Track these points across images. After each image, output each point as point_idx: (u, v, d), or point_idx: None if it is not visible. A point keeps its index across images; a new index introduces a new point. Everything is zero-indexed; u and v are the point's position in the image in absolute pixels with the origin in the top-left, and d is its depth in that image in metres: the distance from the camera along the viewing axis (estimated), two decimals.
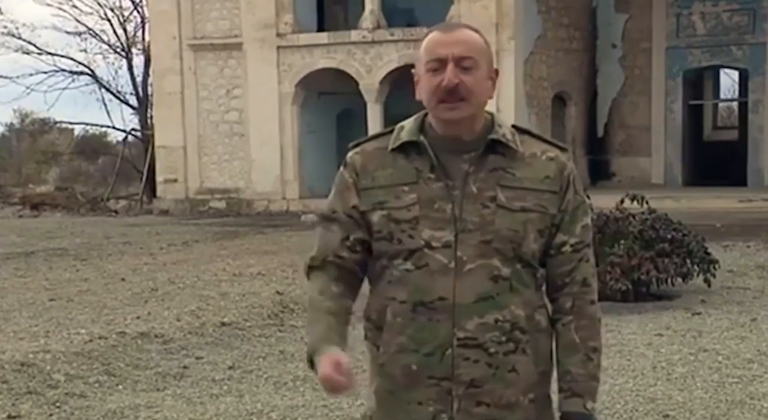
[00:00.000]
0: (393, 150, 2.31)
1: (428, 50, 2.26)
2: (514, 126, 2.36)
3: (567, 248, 2.31)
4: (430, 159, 2.26)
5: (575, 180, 2.33)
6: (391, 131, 2.35)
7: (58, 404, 5.76)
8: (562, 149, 2.36)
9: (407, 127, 2.33)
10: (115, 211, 23.24)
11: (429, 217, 2.24)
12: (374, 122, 19.55)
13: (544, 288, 2.36)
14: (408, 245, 2.25)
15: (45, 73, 29.14)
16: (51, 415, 5.59)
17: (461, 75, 2.21)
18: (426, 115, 2.33)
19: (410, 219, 2.25)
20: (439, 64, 2.23)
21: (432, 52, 2.24)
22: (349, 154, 2.38)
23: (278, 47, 20.93)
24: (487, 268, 2.23)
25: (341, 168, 2.38)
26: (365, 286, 2.42)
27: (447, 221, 2.23)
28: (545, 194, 2.28)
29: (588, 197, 9.02)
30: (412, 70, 2.35)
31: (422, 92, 2.28)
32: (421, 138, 2.28)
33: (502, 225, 2.23)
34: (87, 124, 33.58)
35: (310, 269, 2.39)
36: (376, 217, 2.29)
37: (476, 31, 2.30)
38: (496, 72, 2.32)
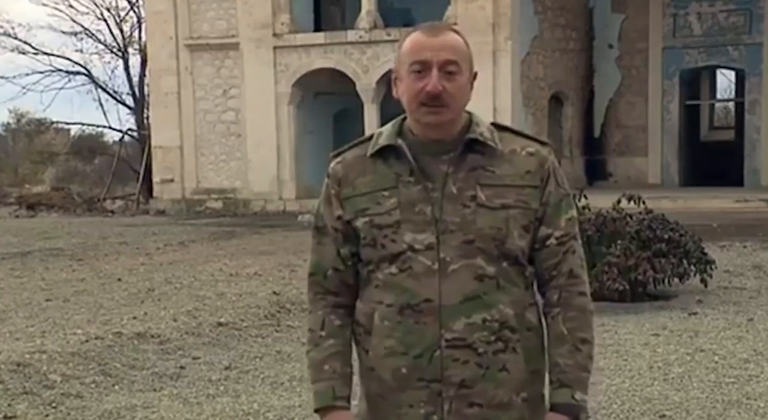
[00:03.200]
0: (372, 155, 2.30)
1: (413, 52, 2.24)
2: (493, 123, 2.35)
3: (552, 241, 2.30)
4: (409, 162, 2.26)
5: (556, 172, 2.32)
6: (371, 138, 2.35)
7: (54, 405, 5.76)
8: (543, 144, 2.35)
9: (385, 132, 2.32)
10: (112, 212, 23.23)
11: (410, 221, 2.24)
12: (371, 122, 19.55)
13: (534, 286, 2.35)
14: (391, 250, 2.25)
15: (41, 73, 29.08)
16: (47, 415, 5.58)
17: (444, 81, 2.21)
18: (404, 119, 2.33)
19: (392, 223, 2.25)
20: (422, 67, 2.22)
21: (416, 55, 2.23)
22: (331, 164, 2.38)
23: (275, 47, 20.93)
24: (472, 268, 2.22)
25: (326, 179, 2.38)
26: None
27: (428, 223, 2.23)
28: (526, 189, 2.27)
29: (585, 197, 8.97)
30: (391, 69, 2.35)
31: (403, 93, 2.27)
32: (399, 141, 2.28)
33: (483, 224, 2.23)
34: (83, 124, 33.56)
35: (312, 285, 2.40)
36: (360, 224, 2.28)
37: (458, 32, 2.29)
38: (475, 75, 2.32)
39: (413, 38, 2.26)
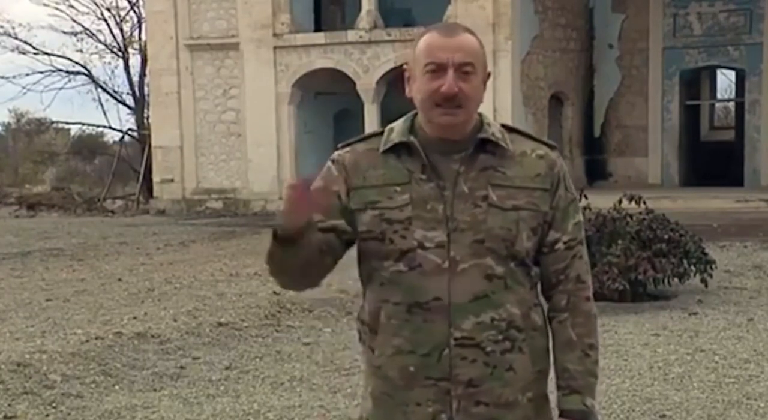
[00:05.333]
0: (384, 152, 2.30)
1: (428, 52, 2.23)
2: (503, 125, 2.36)
3: (560, 246, 2.31)
4: (421, 160, 2.25)
5: (566, 177, 2.33)
6: (381, 133, 2.34)
7: (54, 404, 5.76)
8: (552, 147, 2.36)
9: (397, 128, 2.32)
10: (112, 212, 23.22)
11: (421, 218, 2.23)
12: (371, 122, 19.55)
13: (538, 287, 2.36)
14: (400, 246, 2.24)
15: (41, 73, 29.08)
16: (47, 415, 5.58)
17: (460, 82, 2.20)
18: (415, 115, 2.32)
19: (403, 219, 2.24)
20: (438, 68, 2.21)
21: (432, 55, 2.22)
22: (339, 151, 2.36)
23: (275, 47, 20.92)
24: (481, 268, 2.23)
25: (327, 163, 2.35)
26: (358, 288, 2.40)
27: (439, 221, 2.23)
28: (536, 192, 2.27)
29: (586, 197, 8.97)
30: (404, 66, 2.34)
31: (417, 93, 2.26)
32: (412, 139, 2.27)
33: (494, 224, 2.23)
34: (83, 124, 33.60)
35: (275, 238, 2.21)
36: (367, 216, 2.27)
37: (473, 33, 2.29)
38: (489, 75, 2.32)
39: (429, 38, 2.25)
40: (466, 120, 2.26)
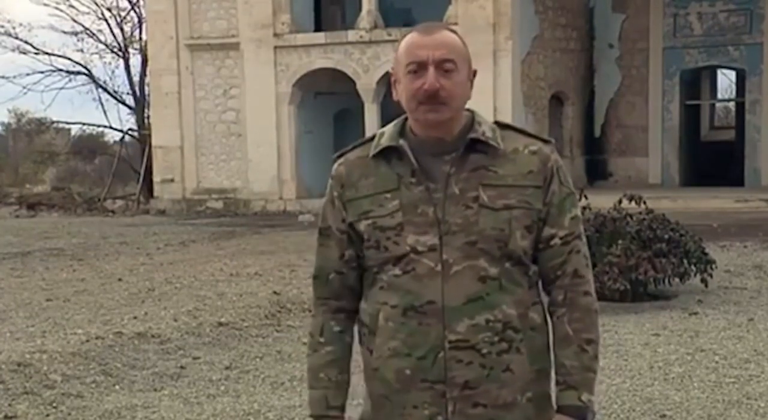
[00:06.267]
0: (374, 157, 2.30)
1: (408, 52, 2.24)
2: (496, 122, 2.34)
3: (556, 241, 2.29)
4: (411, 163, 2.25)
5: (560, 171, 2.31)
6: (373, 138, 2.35)
7: (54, 404, 5.76)
8: (546, 142, 2.33)
9: (387, 132, 2.32)
10: (112, 211, 23.22)
11: (412, 222, 2.23)
12: (371, 122, 19.56)
13: (539, 285, 2.34)
14: (394, 252, 2.24)
15: (42, 72, 29.08)
16: (48, 415, 5.58)
17: (442, 79, 2.20)
18: (406, 119, 2.32)
19: (394, 226, 2.24)
20: (419, 67, 2.21)
21: (412, 55, 2.22)
22: (334, 166, 2.37)
23: (275, 47, 20.93)
24: (474, 269, 2.22)
25: (329, 181, 2.38)
26: None
27: (430, 225, 2.22)
28: (528, 189, 2.25)
29: (586, 197, 8.95)
30: (389, 71, 2.35)
31: (402, 95, 2.27)
32: (401, 142, 2.27)
33: (485, 225, 2.22)
34: (84, 123, 33.56)
35: (315, 288, 2.42)
36: (362, 226, 2.28)
37: (454, 32, 2.29)
38: (474, 72, 2.31)
39: (409, 39, 2.26)
40: (453, 117, 2.25)
